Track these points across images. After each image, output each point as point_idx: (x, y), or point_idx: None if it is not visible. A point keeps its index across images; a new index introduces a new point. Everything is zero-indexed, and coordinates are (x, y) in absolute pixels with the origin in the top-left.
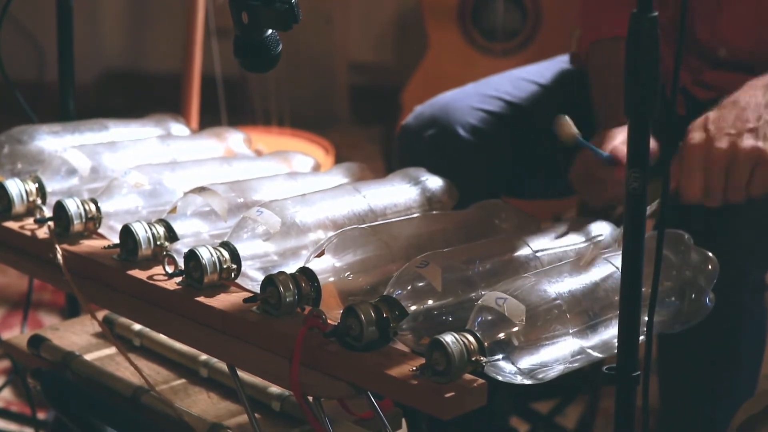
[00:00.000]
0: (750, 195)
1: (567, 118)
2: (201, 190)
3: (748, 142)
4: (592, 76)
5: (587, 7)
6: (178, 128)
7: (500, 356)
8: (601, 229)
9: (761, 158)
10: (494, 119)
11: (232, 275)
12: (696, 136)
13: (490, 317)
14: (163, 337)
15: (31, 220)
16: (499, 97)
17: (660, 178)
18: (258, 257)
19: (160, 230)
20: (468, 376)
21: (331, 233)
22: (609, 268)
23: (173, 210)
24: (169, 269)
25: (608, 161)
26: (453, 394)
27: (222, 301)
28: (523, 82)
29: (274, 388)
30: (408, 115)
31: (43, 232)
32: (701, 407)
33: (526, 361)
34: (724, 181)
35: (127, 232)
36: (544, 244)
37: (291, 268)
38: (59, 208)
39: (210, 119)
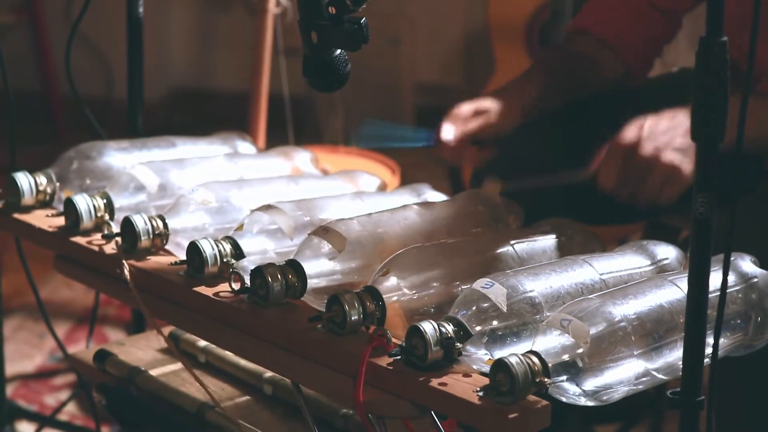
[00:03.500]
0: (657, 204)
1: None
2: (268, 208)
3: (668, 156)
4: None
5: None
6: (244, 146)
7: (564, 377)
8: (667, 252)
9: (674, 176)
10: (568, 141)
11: (297, 293)
12: (629, 133)
13: (554, 338)
14: (228, 354)
15: (98, 236)
16: (569, 121)
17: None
18: (324, 276)
19: (227, 247)
20: (532, 398)
21: (396, 252)
22: (674, 290)
23: (240, 227)
24: (236, 286)
25: (427, 142)
26: (517, 415)
27: (287, 318)
28: None
29: (338, 407)
30: None
31: (110, 248)
32: None
33: (591, 383)
34: (635, 184)
35: (194, 249)
36: (609, 267)
37: (356, 287)
38: (127, 224)
39: (277, 138)
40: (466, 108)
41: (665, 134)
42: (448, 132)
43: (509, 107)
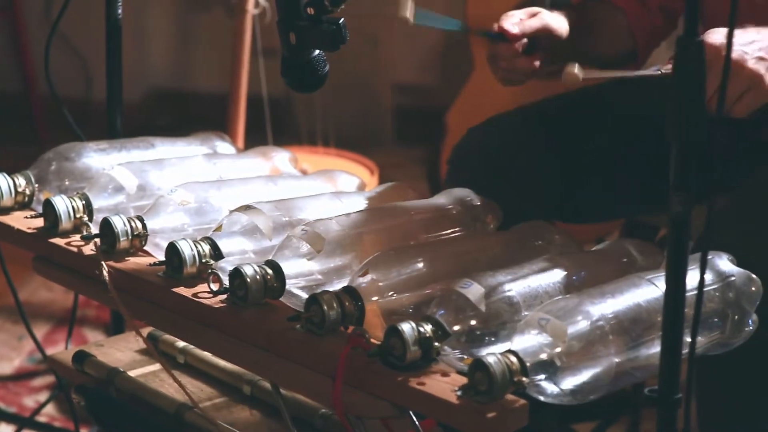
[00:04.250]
0: (731, 112)
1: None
2: (246, 208)
3: (754, 64)
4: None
5: None
6: (223, 147)
7: (542, 376)
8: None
9: (755, 85)
10: (545, 140)
11: (276, 294)
12: (714, 36)
13: (532, 338)
14: (207, 355)
15: (77, 237)
16: (546, 120)
17: None
18: (302, 276)
19: (206, 248)
20: (510, 397)
21: (375, 252)
22: (652, 289)
23: (219, 228)
24: (214, 287)
25: (497, 38)
26: (495, 414)
27: (266, 319)
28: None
29: (317, 407)
30: (456, 136)
31: (89, 249)
32: None
33: (569, 382)
34: (715, 86)
35: (172, 250)
36: (586, 266)
37: (335, 287)
38: (106, 225)
39: (255, 139)
40: (519, 11)
41: (751, 44)
42: (512, 25)
43: (559, 17)
